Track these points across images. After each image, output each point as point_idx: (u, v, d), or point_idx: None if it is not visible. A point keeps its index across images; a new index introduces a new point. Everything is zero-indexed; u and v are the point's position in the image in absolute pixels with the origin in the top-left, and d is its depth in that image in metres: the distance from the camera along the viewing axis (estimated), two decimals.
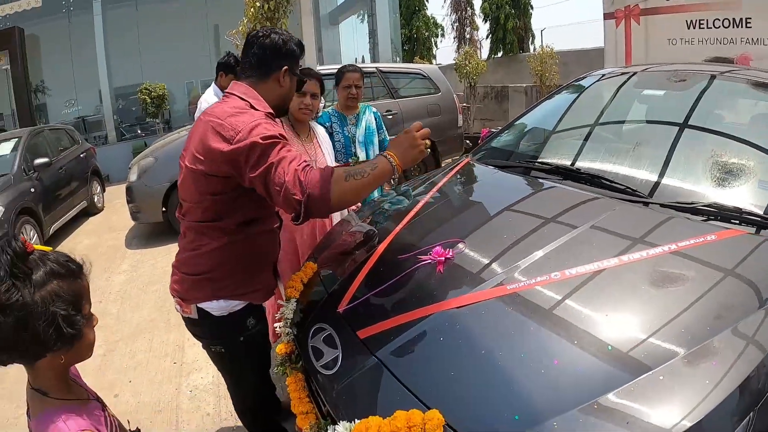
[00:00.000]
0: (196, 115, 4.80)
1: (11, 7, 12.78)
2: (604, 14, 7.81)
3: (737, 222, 1.98)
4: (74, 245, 7.34)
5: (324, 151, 3.26)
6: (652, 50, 7.17)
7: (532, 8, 17.31)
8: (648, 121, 3.01)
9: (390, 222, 2.53)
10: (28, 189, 6.78)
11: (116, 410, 1.55)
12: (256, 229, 1.98)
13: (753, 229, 1.94)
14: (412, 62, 16.95)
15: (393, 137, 1.93)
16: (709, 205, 2.06)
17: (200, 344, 2.18)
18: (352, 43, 20.65)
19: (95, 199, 9.18)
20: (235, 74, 2.11)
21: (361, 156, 3.78)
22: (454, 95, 8.56)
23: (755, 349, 1.42)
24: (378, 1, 16.71)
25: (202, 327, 2.05)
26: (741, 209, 2.02)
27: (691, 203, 2.09)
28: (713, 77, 2.85)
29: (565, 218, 2.13)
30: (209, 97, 4.90)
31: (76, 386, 1.31)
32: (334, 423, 1.55)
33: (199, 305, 1.97)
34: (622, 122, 3.11)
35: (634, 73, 3.36)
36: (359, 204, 3.08)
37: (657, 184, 2.29)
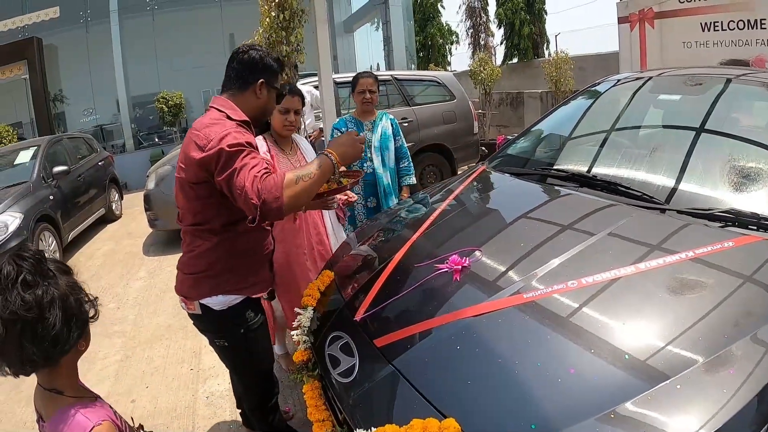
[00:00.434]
0: None
1: (29, 17, 13.03)
2: (618, 18, 7.76)
3: (755, 228, 1.94)
4: (92, 252, 7.43)
5: (308, 162, 3.26)
6: (667, 53, 7.12)
7: (546, 13, 17.30)
8: (664, 126, 2.98)
9: (406, 230, 2.53)
10: (47, 197, 6.88)
11: (134, 415, 1.58)
12: (243, 229, 2.08)
13: None
14: (427, 69, 16.94)
15: (335, 138, 2.15)
16: (726, 211, 2.03)
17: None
18: (367, 51, 20.76)
19: (113, 207, 9.31)
20: None
21: (376, 162, 3.83)
22: (470, 102, 8.55)
23: None
24: (392, 9, 16.80)
25: (205, 322, 2.21)
26: (759, 215, 1.97)
27: (708, 209, 2.06)
28: (729, 81, 2.80)
29: (582, 226, 2.11)
30: None
31: (82, 387, 1.34)
32: (351, 431, 1.56)
33: (201, 301, 2.13)
34: (639, 128, 3.07)
35: (650, 78, 3.33)
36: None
37: (674, 190, 2.26)
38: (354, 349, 1.85)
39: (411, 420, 1.41)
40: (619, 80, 3.49)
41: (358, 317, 1.94)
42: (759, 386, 1.30)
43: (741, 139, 2.51)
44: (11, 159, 7.60)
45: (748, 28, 6.30)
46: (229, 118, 2.02)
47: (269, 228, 2.32)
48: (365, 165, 3.86)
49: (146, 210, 6.93)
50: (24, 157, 7.51)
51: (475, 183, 2.95)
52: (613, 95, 3.41)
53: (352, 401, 1.71)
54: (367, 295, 2.03)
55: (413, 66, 17.83)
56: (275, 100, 2.26)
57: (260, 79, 2.12)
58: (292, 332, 2.20)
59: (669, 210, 2.13)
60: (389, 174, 3.95)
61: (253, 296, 2.24)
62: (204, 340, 2.29)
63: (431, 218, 2.50)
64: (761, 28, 6.18)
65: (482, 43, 20.35)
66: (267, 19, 4.40)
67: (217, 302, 2.13)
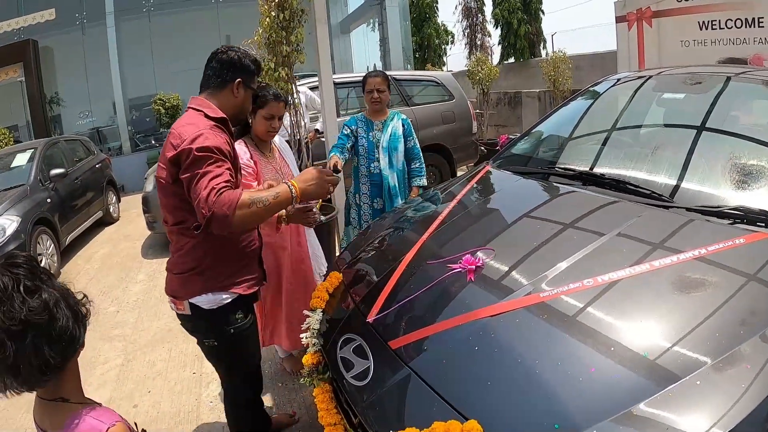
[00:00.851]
0: None
1: (25, 19, 12.96)
2: (616, 17, 7.76)
3: (763, 225, 1.93)
4: (90, 255, 7.39)
5: (288, 162, 3.35)
6: (665, 52, 7.13)
7: (543, 13, 17.30)
8: (669, 125, 2.98)
9: (414, 230, 2.51)
10: (44, 199, 6.84)
11: (136, 420, 1.55)
12: None
13: None
14: (424, 70, 16.94)
15: (307, 169, 2.10)
16: (734, 208, 2.02)
17: None
18: (363, 52, 20.74)
19: (111, 209, 9.26)
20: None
21: (383, 162, 3.82)
22: (468, 102, 8.54)
23: None
24: (389, 9, 16.79)
25: (194, 322, 2.21)
26: (767, 211, 1.96)
27: (717, 207, 2.05)
28: (730, 79, 2.81)
29: (592, 224, 2.10)
30: None
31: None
32: None
33: (191, 300, 2.13)
34: (644, 126, 3.07)
35: (651, 77, 3.33)
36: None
37: (681, 187, 2.26)
38: (368, 352, 1.83)
39: (431, 423, 1.40)
40: (620, 80, 3.49)
41: (370, 319, 1.91)
42: None
43: (747, 137, 2.50)
44: (8, 162, 7.54)
45: (746, 27, 6.30)
46: (207, 116, 2.07)
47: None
48: (372, 165, 3.87)
49: (144, 212, 6.90)
50: (21, 159, 7.46)
51: (481, 183, 2.93)
52: (616, 94, 3.40)
53: (368, 404, 1.69)
54: (379, 296, 2.01)
55: (409, 66, 17.81)
56: (251, 100, 2.32)
57: (238, 78, 2.17)
58: (301, 335, 2.18)
59: (678, 207, 2.12)
60: (396, 175, 3.91)
61: (244, 293, 2.22)
62: None
63: (440, 218, 2.48)
64: (759, 26, 6.19)
65: (479, 43, 20.35)
66: (267, 19, 4.35)
67: (207, 301, 2.13)
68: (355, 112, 6.16)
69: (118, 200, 9.93)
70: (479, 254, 1.98)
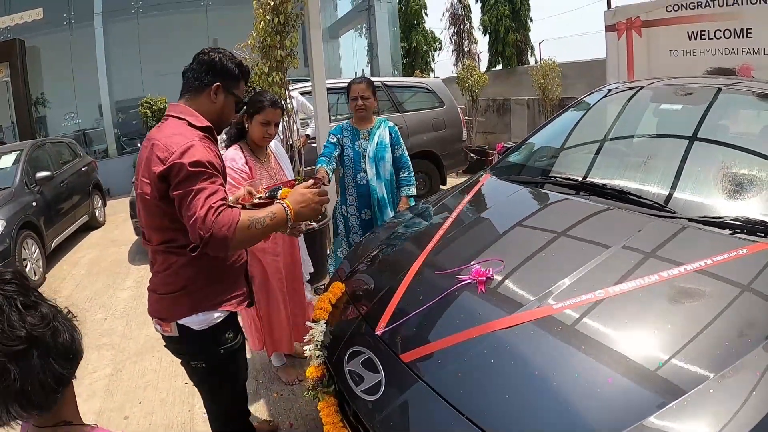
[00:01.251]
0: None
1: (12, 18, 12.74)
2: (605, 26, 7.83)
3: (763, 235, 1.96)
4: (77, 260, 7.27)
5: (283, 167, 3.33)
6: (654, 62, 7.20)
7: (531, 21, 17.39)
8: (671, 136, 2.99)
9: (418, 241, 2.48)
10: (30, 203, 6.71)
11: None
12: None
13: None
14: (412, 76, 16.96)
15: (298, 188, 2.01)
16: (736, 219, 2.06)
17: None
18: (351, 57, 20.73)
19: (97, 213, 9.12)
20: None
21: (370, 173, 3.70)
22: (459, 109, 8.56)
23: None
24: (378, 15, 16.80)
25: (183, 344, 2.07)
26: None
27: (719, 217, 2.09)
28: (725, 90, 2.87)
29: (599, 235, 2.11)
30: None
31: None
32: None
33: (180, 322, 2.00)
34: (644, 137, 3.09)
35: (649, 88, 3.35)
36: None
37: (684, 198, 2.28)
38: (378, 365, 1.80)
39: None
40: (617, 90, 3.53)
41: (378, 331, 1.88)
42: None
43: (747, 148, 2.54)
44: None
45: (735, 37, 6.39)
46: (190, 125, 1.93)
47: None
48: (358, 176, 3.75)
49: (132, 217, 6.79)
50: (6, 161, 7.32)
51: (482, 192, 2.91)
52: (612, 104, 3.42)
53: (381, 419, 1.66)
54: (386, 307, 1.97)
55: (397, 72, 17.83)
56: (234, 107, 2.12)
57: (216, 82, 2.00)
58: (304, 347, 2.13)
59: (680, 218, 2.14)
60: (384, 186, 3.79)
61: (234, 311, 2.13)
62: None
63: (443, 228, 2.45)
64: (747, 37, 6.27)
65: (465, 50, 20.42)
66: (261, 23, 4.31)
67: (197, 321, 2.01)
68: (344, 118, 6.13)
69: (104, 204, 9.79)
70: (489, 266, 1.95)
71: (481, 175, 3.14)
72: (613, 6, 8.03)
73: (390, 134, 3.83)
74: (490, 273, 1.91)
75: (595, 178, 2.68)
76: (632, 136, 3.16)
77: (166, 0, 14.86)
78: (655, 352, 1.49)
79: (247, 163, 3.02)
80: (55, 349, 1.06)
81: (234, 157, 3.02)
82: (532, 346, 1.62)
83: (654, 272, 1.78)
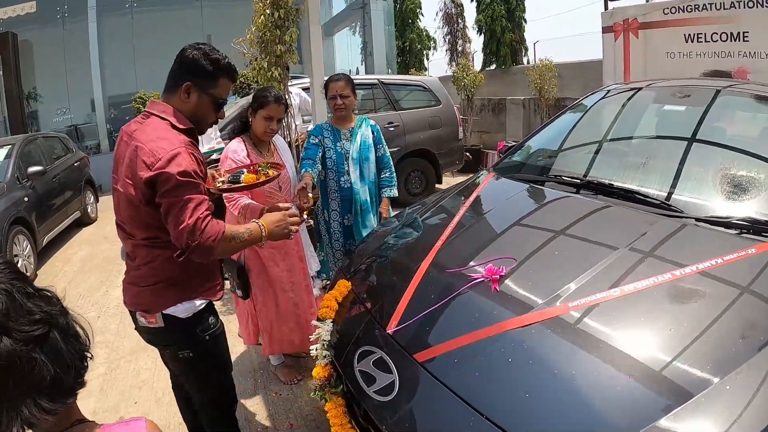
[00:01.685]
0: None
1: (5, 11, 12.59)
2: (602, 28, 7.84)
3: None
4: (68, 257, 7.18)
5: (285, 162, 3.28)
6: (651, 64, 7.22)
7: (526, 21, 17.37)
8: (678, 138, 2.98)
9: (425, 239, 2.45)
10: (21, 198, 6.61)
11: None
12: None
13: None
14: (407, 74, 16.95)
15: (269, 212, 2.17)
16: (743, 219, 2.07)
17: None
18: (346, 55, 20.70)
19: (89, 209, 9.03)
20: None
21: (354, 175, 3.56)
22: (455, 107, 8.54)
23: None
24: (373, 14, 16.77)
25: (169, 334, 2.07)
26: None
27: (726, 217, 2.10)
28: (723, 91, 2.88)
29: (609, 233, 2.11)
30: None
31: None
32: None
33: (165, 312, 2.01)
34: (650, 138, 3.09)
35: (657, 88, 3.35)
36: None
37: (690, 199, 2.29)
38: (391, 365, 1.76)
39: None
40: (615, 90, 3.52)
41: (389, 330, 1.84)
42: None
43: (751, 151, 2.55)
44: None
45: (731, 41, 6.42)
46: (173, 126, 1.92)
47: None
48: (342, 179, 3.58)
49: None
50: None
51: (487, 190, 2.88)
52: (614, 105, 3.40)
53: (396, 420, 1.62)
54: (396, 306, 1.94)
55: (391, 71, 17.81)
56: (211, 107, 2.05)
57: (187, 81, 1.95)
58: (311, 347, 2.09)
59: (688, 218, 2.14)
60: (368, 189, 3.64)
61: (214, 299, 2.16)
62: None
63: (450, 227, 2.42)
64: (744, 40, 6.30)
65: (459, 49, 20.41)
66: (261, 17, 4.26)
67: (183, 310, 2.03)
68: None
69: (96, 200, 9.69)
70: (501, 264, 1.92)
71: (485, 174, 3.11)
72: (610, 7, 8.02)
73: (372, 133, 3.70)
74: (503, 271, 1.88)
75: (601, 177, 2.67)
76: (637, 137, 3.15)
77: None
78: (670, 353, 1.48)
79: (248, 155, 3.04)
80: (68, 327, 1.02)
81: (236, 149, 3.06)
82: (549, 345, 1.60)
83: (666, 271, 1.78)
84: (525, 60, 17.19)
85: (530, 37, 16.71)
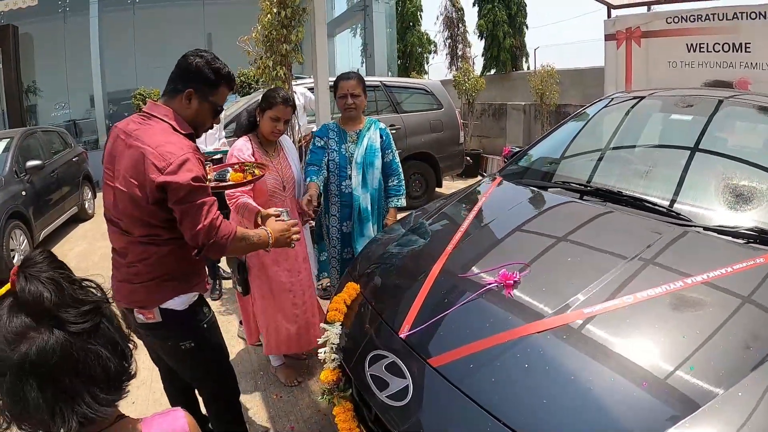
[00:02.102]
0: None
1: (6, 4, 12.47)
2: (605, 35, 7.87)
3: None
4: (65, 253, 7.11)
5: (291, 162, 3.29)
6: (653, 72, 7.25)
7: (527, 27, 17.39)
8: (691, 148, 2.98)
9: (435, 243, 2.43)
10: (19, 192, 6.54)
11: None
12: None
13: None
14: (408, 77, 16.96)
15: (276, 221, 2.28)
16: (751, 229, 2.08)
17: None
18: (346, 57, 20.69)
19: (86, 205, 8.96)
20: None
21: (355, 181, 3.39)
22: (456, 111, 8.54)
23: None
24: (375, 15, 16.77)
25: (168, 327, 2.09)
26: None
27: (733, 227, 2.11)
28: (726, 102, 2.92)
29: (621, 241, 2.12)
30: None
31: None
32: None
33: (162, 306, 2.04)
34: (660, 147, 3.11)
35: (667, 97, 3.36)
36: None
37: (699, 208, 2.31)
38: (404, 370, 1.74)
39: None
40: (619, 99, 3.54)
41: (402, 334, 1.83)
42: None
43: (760, 160, 2.56)
44: None
45: (733, 51, 6.47)
46: (175, 130, 1.97)
47: None
48: (343, 184, 3.41)
49: None
50: None
51: (496, 196, 2.87)
52: (622, 112, 3.41)
53: (410, 427, 1.61)
54: (409, 310, 1.92)
55: (391, 74, 17.82)
56: (210, 113, 2.11)
57: (189, 88, 2.00)
58: (319, 350, 2.07)
59: (696, 227, 2.16)
60: (370, 196, 3.43)
61: (203, 292, 2.23)
62: None
63: (461, 231, 2.40)
64: (746, 51, 6.35)
65: (459, 53, 20.43)
66: (268, 16, 4.24)
67: (180, 303, 2.07)
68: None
69: (94, 196, 9.60)
70: (515, 269, 1.91)
71: (491, 179, 3.10)
72: (613, 15, 8.05)
73: (381, 137, 3.49)
74: (517, 276, 1.87)
75: (610, 184, 2.68)
76: (646, 145, 3.18)
77: None
78: (681, 362, 1.48)
79: (253, 154, 3.07)
80: (113, 315, 1.02)
81: (242, 147, 3.09)
82: (565, 351, 1.59)
83: (678, 279, 1.79)
84: (525, 66, 17.21)
85: (531, 43, 16.65)
